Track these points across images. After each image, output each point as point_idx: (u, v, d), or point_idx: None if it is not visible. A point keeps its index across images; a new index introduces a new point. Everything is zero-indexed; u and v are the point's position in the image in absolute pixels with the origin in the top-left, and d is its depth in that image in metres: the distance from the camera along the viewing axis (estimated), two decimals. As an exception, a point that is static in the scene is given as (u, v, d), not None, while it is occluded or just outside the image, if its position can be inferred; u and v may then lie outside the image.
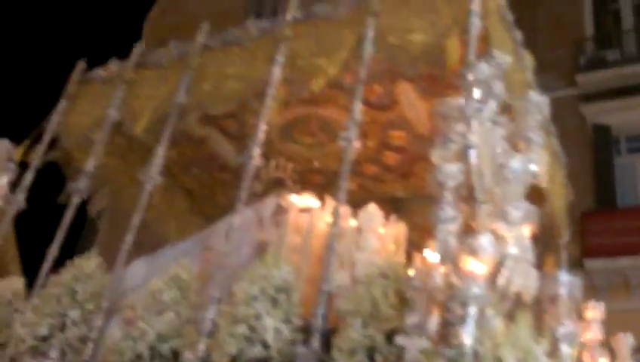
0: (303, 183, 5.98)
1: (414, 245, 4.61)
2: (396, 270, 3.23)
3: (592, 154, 10.77)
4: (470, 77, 3.32)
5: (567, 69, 11.47)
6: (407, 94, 5.30)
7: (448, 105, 3.37)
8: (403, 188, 6.23)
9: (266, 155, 6.17)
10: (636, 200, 10.69)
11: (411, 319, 2.82)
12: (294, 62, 4.64)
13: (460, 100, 3.39)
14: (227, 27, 5.25)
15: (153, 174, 4.63)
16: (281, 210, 5.13)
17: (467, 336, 2.50)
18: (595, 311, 3.95)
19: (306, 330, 3.42)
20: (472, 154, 3.04)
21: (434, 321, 2.74)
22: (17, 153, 5.33)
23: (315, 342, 3.28)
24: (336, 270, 3.54)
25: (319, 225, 4.09)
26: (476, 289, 2.54)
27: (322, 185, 6.08)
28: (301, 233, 4.18)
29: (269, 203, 5.23)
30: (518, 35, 4.68)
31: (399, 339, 2.83)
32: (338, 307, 3.49)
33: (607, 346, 4.28)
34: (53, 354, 4.01)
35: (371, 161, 6.01)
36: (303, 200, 4.41)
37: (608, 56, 11.56)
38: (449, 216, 2.89)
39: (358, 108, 4.14)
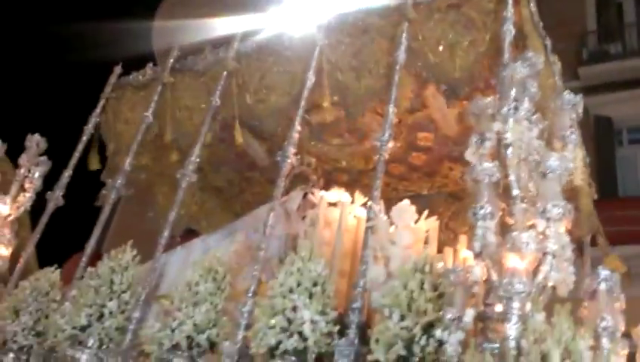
0: (330, 181, 6.11)
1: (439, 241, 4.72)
2: (432, 264, 3.30)
3: (594, 145, 10.79)
4: (506, 76, 3.38)
5: (569, 62, 11.52)
6: (436, 97, 5.37)
7: (481, 104, 3.44)
8: (427, 187, 6.34)
9: (295, 154, 6.32)
10: (638, 190, 10.77)
11: (450, 313, 2.88)
12: (332, 74, 4.75)
13: (492, 100, 3.47)
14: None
15: (188, 172, 4.73)
16: (306, 204, 5.24)
17: (511, 331, 2.57)
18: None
19: (340, 323, 3.50)
20: (509, 152, 3.11)
21: (470, 315, 2.80)
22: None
23: (353, 334, 3.36)
24: (371, 264, 3.62)
25: (350, 220, 4.16)
26: (519, 285, 2.61)
27: (347, 182, 6.19)
28: (331, 227, 4.26)
29: (295, 197, 5.33)
30: (549, 41, 4.75)
31: (438, 333, 2.90)
32: (373, 300, 3.58)
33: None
34: (91, 343, 4.10)
35: (399, 161, 6.09)
36: (333, 194, 4.48)
37: (611, 50, 11.65)
38: (487, 213, 2.96)
39: (392, 111, 4.21)
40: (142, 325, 4.13)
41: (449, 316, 2.89)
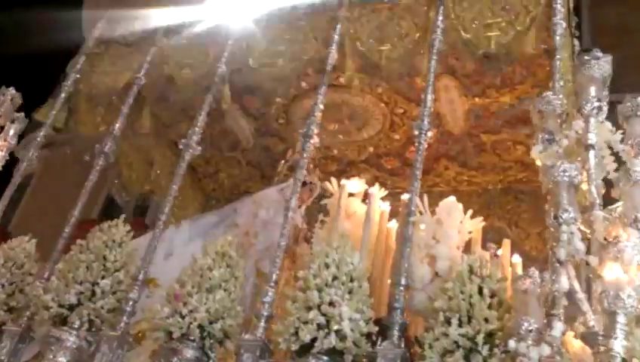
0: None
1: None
2: (489, 268, 3.07)
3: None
4: (585, 74, 3.17)
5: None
6: (448, 90, 5.18)
7: (549, 101, 3.23)
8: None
9: (282, 137, 6.00)
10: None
11: (527, 323, 2.65)
12: (354, 45, 4.45)
13: (559, 97, 3.27)
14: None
15: (192, 143, 4.34)
16: (304, 193, 4.92)
17: (617, 347, 2.37)
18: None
19: (378, 323, 3.23)
20: (591, 155, 2.92)
21: (559, 329, 2.59)
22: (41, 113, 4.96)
23: (396, 337, 3.09)
24: (416, 263, 3.36)
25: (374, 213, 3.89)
26: (629, 299, 2.41)
27: (335, 173, 5.91)
28: (351, 219, 3.98)
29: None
30: (577, 42, 4.63)
31: (512, 343, 2.66)
32: (417, 302, 3.33)
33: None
34: (78, 323, 3.67)
35: (394, 155, 5.88)
36: (355, 184, 4.19)
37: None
38: (571, 217, 2.75)
39: (431, 98, 3.95)
40: (137, 308, 3.74)
41: (525, 326, 2.66)
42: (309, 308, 3.15)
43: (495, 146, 5.65)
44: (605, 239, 2.64)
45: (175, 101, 5.65)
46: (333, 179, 4.55)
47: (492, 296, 2.98)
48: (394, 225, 4.09)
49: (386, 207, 4.07)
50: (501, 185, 5.87)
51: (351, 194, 4.23)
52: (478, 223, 3.62)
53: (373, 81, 5.18)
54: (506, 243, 3.71)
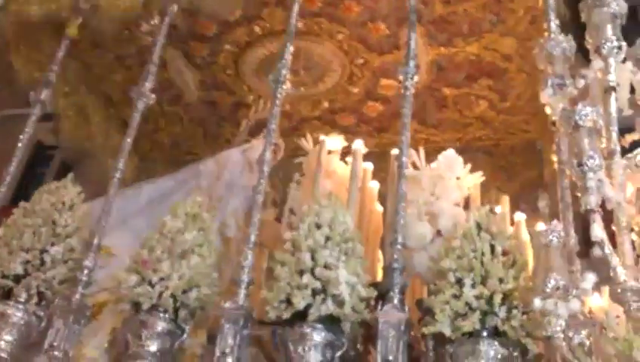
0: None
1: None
2: (498, 224, 2.84)
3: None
4: (599, 14, 2.93)
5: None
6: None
7: (558, 43, 2.98)
8: (373, 143, 5.85)
9: (230, 90, 5.59)
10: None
11: (553, 280, 2.43)
12: None
13: (568, 39, 3.03)
14: None
15: (145, 91, 3.87)
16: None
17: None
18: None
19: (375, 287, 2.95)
20: (613, 98, 2.70)
21: (591, 281, 2.38)
22: None
23: (397, 300, 2.81)
24: (413, 220, 3.08)
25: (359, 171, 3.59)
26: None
27: (286, 130, 5.56)
28: (332, 178, 3.66)
29: (258, 146, 4.66)
30: None
31: (537, 302, 2.44)
32: (418, 263, 3.06)
33: None
34: (25, 296, 3.22)
35: (351, 110, 5.58)
36: (334, 141, 3.87)
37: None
38: (596, 164, 2.53)
39: (414, 38, 3.63)
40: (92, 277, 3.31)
41: (553, 283, 2.43)
42: (302, 272, 2.83)
43: (457, 101, 5.43)
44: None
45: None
46: (308, 137, 4.19)
47: (504, 254, 2.75)
48: (376, 184, 3.81)
49: (369, 165, 3.77)
50: (460, 143, 5.66)
51: (329, 152, 3.90)
52: (478, 178, 3.37)
53: (333, 27, 4.83)
54: (505, 199, 3.49)
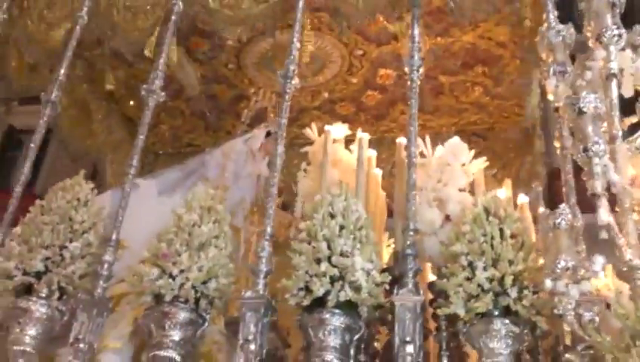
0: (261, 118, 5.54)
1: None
2: (505, 208, 2.95)
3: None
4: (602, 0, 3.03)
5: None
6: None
7: (557, 31, 3.09)
8: (371, 130, 5.96)
9: (231, 85, 5.67)
10: None
11: (563, 261, 2.55)
12: None
13: (568, 27, 3.15)
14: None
15: (156, 88, 3.94)
16: (269, 144, 4.68)
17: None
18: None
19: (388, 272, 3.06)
20: (614, 84, 2.81)
21: (600, 263, 2.50)
22: None
23: (411, 284, 2.93)
24: (423, 206, 3.19)
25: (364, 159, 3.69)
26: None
27: (288, 120, 5.65)
28: (338, 167, 3.77)
29: (259, 135, 4.77)
30: None
31: (548, 283, 2.56)
32: (428, 247, 3.18)
33: None
34: (46, 292, 3.31)
35: (350, 100, 5.68)
36: (339, 129, 3.96)
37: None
38: (601, 149, 2.66)
39: (418, 32, 3.74)
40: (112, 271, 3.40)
41: (562, 264, 2.56)
42: (319, 260, 2.94)
43: (453, 88, 5.55)
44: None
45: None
46: (313, 126, 4.28)
47: (512, 237, 2.88)
48: (379, 171, 3.92)
49: (373, 152, 3.87)
50: (455, 128, 5.78)
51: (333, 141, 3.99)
52: (482, 164, 3.48)
53: (335, 20, 4.92)
54: (508, 183, 3.60)
